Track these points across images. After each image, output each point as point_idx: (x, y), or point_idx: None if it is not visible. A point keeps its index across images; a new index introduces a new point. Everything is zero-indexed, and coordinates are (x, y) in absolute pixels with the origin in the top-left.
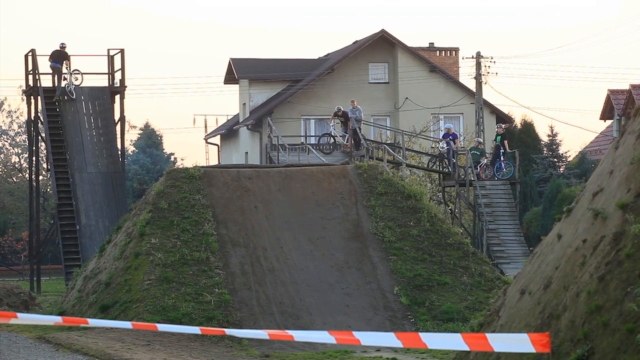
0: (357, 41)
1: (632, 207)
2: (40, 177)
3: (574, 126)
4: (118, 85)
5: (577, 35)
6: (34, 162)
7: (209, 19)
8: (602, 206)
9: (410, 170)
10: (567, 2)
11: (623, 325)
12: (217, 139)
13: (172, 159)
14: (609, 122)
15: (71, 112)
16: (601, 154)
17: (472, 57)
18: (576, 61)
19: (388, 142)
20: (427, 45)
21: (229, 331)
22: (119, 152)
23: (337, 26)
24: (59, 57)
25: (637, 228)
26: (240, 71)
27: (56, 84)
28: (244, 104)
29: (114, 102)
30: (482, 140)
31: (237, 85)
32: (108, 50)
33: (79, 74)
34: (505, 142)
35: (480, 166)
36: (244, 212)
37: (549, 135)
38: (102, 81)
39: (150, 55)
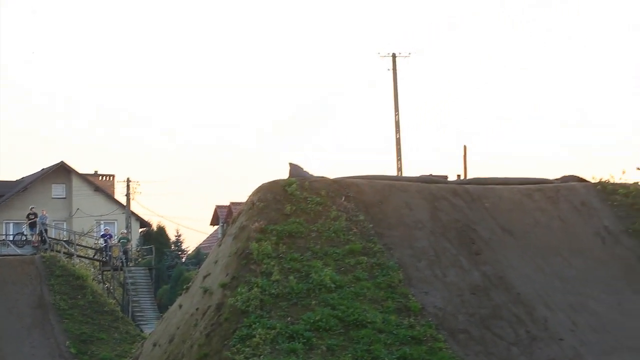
0: (44, 168)
1: (229, 286)
2: None
3: (192, 229)
4: None
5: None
6: None
7: None
8: (209, 285)
9: (79, 259)
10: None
11: None
12: None
13: None
14: (216, 227)
15: None
16: (210, 249)
17: (124, 181)
18: (196, 183)
19: (64, 239)
20: (93, 172)
21: None
22: None
23: (26, 155)
24: None
25: (232, 300)
26: None
27: None
28: None
29: None
30: (125, 231)
31: None
32: None
33: None
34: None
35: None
36: None
37: (175, 235)
38: None
39: None
